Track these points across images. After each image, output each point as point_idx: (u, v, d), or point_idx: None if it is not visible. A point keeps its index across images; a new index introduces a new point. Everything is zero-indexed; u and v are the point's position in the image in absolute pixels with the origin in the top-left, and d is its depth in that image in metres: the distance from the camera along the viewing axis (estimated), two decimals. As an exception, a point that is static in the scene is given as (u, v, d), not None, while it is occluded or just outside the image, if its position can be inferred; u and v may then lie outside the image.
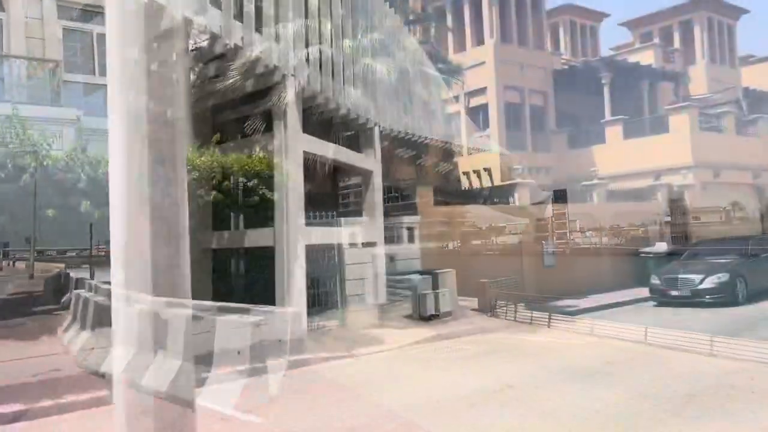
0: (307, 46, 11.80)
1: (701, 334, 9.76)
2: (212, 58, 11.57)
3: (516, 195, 23.11)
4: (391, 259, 14.39)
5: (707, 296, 13.69)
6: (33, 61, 12.86)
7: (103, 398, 6.81)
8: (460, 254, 16.80)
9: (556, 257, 15.90)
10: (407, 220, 16.35)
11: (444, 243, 17.42)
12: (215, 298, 10.59)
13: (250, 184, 11.66)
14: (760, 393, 7.34)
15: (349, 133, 14.69)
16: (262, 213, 11.86)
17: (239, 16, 10.55)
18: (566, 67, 32.23)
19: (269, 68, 11.14)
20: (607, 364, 9.06)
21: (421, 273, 13.93)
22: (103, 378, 7.42)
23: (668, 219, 20.94)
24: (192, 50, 11.23)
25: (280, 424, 6.67)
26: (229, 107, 12.58)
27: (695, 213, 22.10)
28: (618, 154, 27.00)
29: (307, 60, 11.77)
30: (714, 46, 34.17)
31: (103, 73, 15.31)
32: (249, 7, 10.68)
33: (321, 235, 12.58)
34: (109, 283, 3.58)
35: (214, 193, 11.42)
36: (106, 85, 3.47)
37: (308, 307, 11.44)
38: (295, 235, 11.21)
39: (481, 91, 28.54)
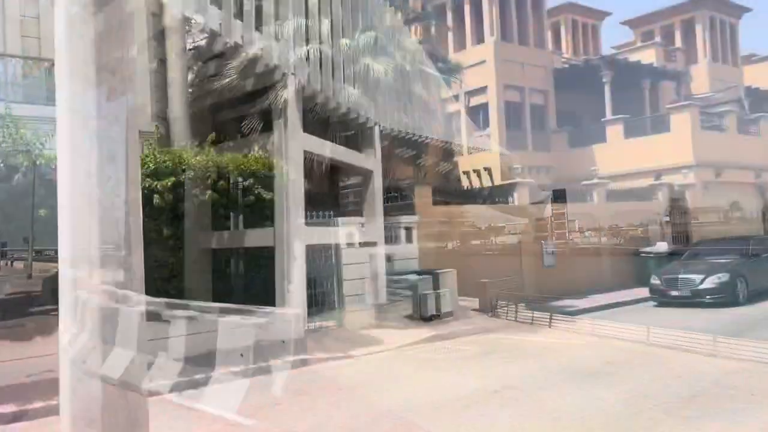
0: (307, 44, 11.79)
1: (702, 334, 9.74)
2: (211, 57, 11.56)
3: (516, 194, 23.04)
4: (388, 258, 14.35)
5: (708, 296, 13.67)
6: (29, 60, 12.80)
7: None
8: (459, 254, 16.76)
9: (555, 257, 15.87)
10: (406, 219, 16.30)
11: (443, 243, 17.38)
12: (215, 299, 10.56)
13: (246, 183, 11.61)
14: (761, 393, 7.32)
15: (348, 133, 14.66)
16: (259, 213, 11.82)
17: (239, 14, 10.54)
18: (567, 66, 32.09)
19: (269, 67, 11.12)
20: (608, 364, 9.04)
21: (421, 273, 13.89)
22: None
23: (668, 219, 20.90)
24: (190, 49, 11.22)
25: (279, 424, 6.64)
26: (228, 106, 12.56)
27: (696, 212, 22.07)
28: (619, 154, 26.90)
29: (307, 59, 11.75)
30: (716, 45, 34.03)
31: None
32: (249, 6, 10.67)
33: (321, 235, 12.55)
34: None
35: (209, 192, 11.38)
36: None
37: (308, 307, 11.42)
38: (295, 235, 11.19)
39: (482, 90, 28.39)
